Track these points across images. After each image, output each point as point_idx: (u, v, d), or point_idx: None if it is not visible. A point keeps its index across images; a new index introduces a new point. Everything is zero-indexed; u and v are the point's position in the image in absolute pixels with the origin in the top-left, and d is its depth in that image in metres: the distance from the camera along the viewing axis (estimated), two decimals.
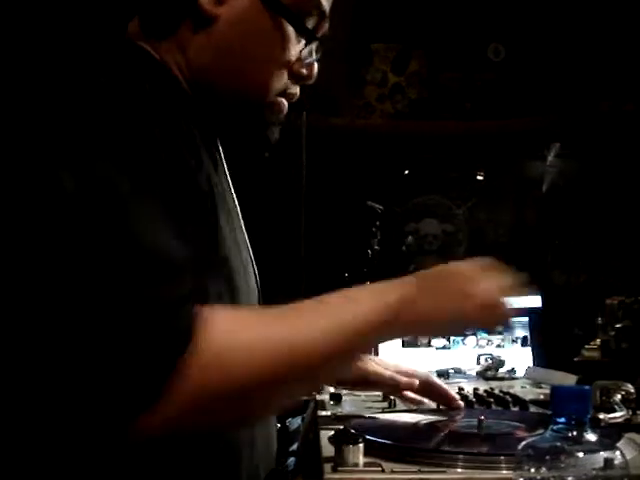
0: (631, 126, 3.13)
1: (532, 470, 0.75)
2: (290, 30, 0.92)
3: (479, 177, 3.45)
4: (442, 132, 3.30)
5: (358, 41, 3.17)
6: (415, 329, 0.98)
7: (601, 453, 0.75)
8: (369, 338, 0.84)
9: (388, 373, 1.26)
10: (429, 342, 2.85)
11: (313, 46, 0.95)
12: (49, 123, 0.75)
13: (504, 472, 0.91)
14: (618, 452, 0.76)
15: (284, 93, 0.97)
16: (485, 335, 2.81)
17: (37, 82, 0.80)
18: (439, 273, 0.94)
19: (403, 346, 2.83)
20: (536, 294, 2.88)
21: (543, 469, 0.75)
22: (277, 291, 2.82)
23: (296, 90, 0.98)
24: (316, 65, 0.96)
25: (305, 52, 0.94)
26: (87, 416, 0.71)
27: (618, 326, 2.92)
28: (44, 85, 0.79)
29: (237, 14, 0.90)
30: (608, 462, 0.75)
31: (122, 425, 0.68)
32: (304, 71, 0.96)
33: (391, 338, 0.98)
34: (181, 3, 0.89)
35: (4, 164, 0.75)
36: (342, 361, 0.84)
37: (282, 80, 0.95)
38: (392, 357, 2.77)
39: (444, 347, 2.81)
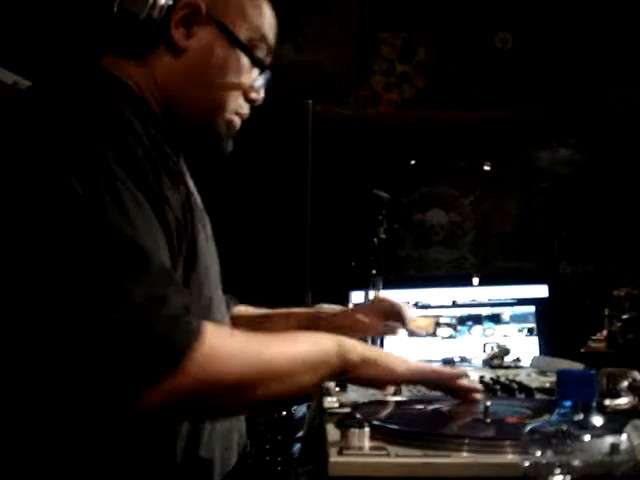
0: None
1: (538, 454, 0.75)
2: (245, 61, 1.12)
3: (486, 167, 3.44)
4: (449, 121, 3.29)
5: (365, 30, 3.16)
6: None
7: (607, 438, 0.75)
8: (320, 373, 1.03)
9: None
10: (434, 332, 2.85)
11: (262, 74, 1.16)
12: (58, 141, 0.88)
13: (509, 457, 0.91)
14: (624, 437, 0.76)
15: (237, 112, 1.16)
16: (492, 325, 2.81)
17: (45, 110, 0.93)
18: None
19: (409, 335, 2.83)
20: (543, 284, 2.88)
21: (549, 453, 0.75)
22: (283, 280, 2.84)
23: (247, 110, 1.17)
24: (263, 90, 1.17)
25: (258, 80, 1.16)
26: (94, 394, 0.82)
27: (625, 317, 2.92)
28: (53, 110, 0.92)
29: (203, 46, 1.09)
30: (614, 447, 0.75)
31: (130, 397, 0.80)
32: (255, 95, 1.16)
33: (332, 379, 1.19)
34: (156, 33, 1.07)
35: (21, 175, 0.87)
36: (305, 379, 1.00)
37: (237, 102, 1.14)
38: (398, 346, 2.77)
39: (450, 336, 2.82)
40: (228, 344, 0.90)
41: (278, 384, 0.95)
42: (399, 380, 1.23)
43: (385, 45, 3.17)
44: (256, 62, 1.14)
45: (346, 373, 1.09)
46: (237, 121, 1.16)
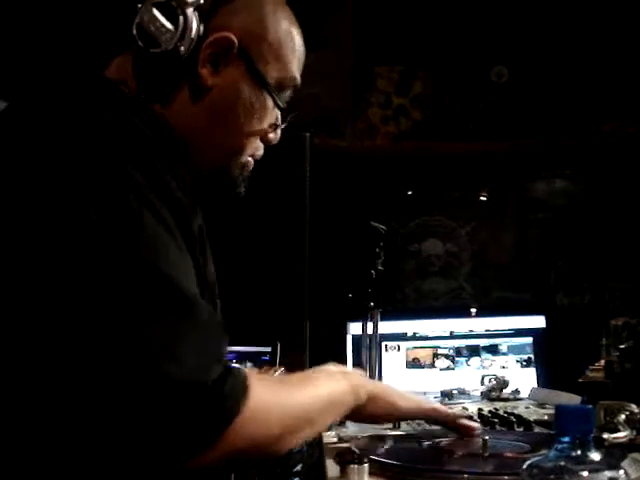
0: (634, 148, 3.14)
1: None
2: (270, 103, 1.06)
3: (482, 198, 3.46)
4: (446, 153, 3.31)
5: (361, 63, 3.20)
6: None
7: (605, 472, 0.75)
8: (340, 411, 1.07)
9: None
10: (433, 363, 2.85)
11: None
12: (88, 164, 0.83)
13: None
14: (622, 472, 0.76)
15: (252, 155, 1.10)
16: (489, 356, 2.81)
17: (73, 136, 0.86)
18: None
19: (407, 367, 2.83)
20: (540, 314, 2.88)
21: None
22: (281, 312, 2.84)
23: (262, 151, 1.11)
24: (280, 131, 1.11)
25: (279, 121, 1.09)
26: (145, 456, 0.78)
27: (622, 347, 2.92)
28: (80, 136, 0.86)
29: (229, 85, 1.02)
30: None
31: (184, 460, 0.78)
32: (274, 136, 1.10)
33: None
34: (183, 70, 0.99)
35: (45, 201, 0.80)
36: (329, 420, 1.05)
37: (255, 144, 1.09)
38: (397, 378, 2.77)
39: (448, 368, 2.82)
40: (270, 397, 0.89)
41: (312, 428, 0.97)
42: (401, 417, 1.24)
43: (381, 78, 3.21)
44: (281, 106, 1.08)
45: (355, 409, 1.10)
46: (251, 163, 1.11)
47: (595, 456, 0.77)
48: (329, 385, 1.03)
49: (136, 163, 0.84)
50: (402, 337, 2.83)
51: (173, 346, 0.77)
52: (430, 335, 2.84)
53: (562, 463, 0.76)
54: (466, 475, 0.94)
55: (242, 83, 1.03)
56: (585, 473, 0.75)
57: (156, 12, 0.95)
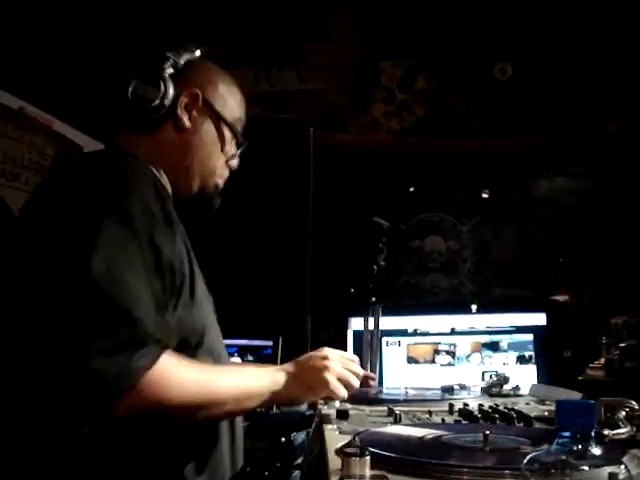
0: (637, 146, 3.14)
1: None
2: (229, 135, 1.41)
3: (484, 195, 3.47)
4: (448, 150, 3.32)
5: (365, 59, 3.20)
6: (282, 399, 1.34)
7: (606, 468, 0.76)
8: (254, 399, 1.26)
9: None
10: (433, 359, 2.86)
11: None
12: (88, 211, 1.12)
13: None
14: (623, 467, 0.77)
15: (221, 176, 1.43)
16: (490, 352, 2.81)
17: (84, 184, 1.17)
18: (303, 366, 1.35)
19: (408, 362, 2.84)
20: (541, 312, 2.89)
21: None
22: (283, 307, 2.84)
23: (227, 174, 1.44)
24: (238, 158, 1.46)
25: (236, 150, 1.44)
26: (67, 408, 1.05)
27: (622, 345, 2.92)
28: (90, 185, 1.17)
29: (200, 125, 1.38)
30: (613, 477, 0.75)
31: (104, 407, 1.05)
32: (234, 162, 1.44)
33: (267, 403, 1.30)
34: (164, 114, 1.33)
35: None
36: (238, 406, 1.24)
37: (222, 168, 1.42)
38: (397, 373, 2.78)
39: (449, 364, 2.82)
40: (174, 373, 1.12)
41: (220, 407, 1.19)
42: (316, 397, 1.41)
43: (385, 74, 3.21)
44: (237, 136, 1.43)
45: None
46: (221, 184, 1.43)
47: (596, 451, 0.77)
48: (248, 374, 1.28)
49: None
50: (403, 333, 2.84)
51: (98, 331, 1.04)
52: (431, 331, 2.84)
53: (563, 457, 0.76)
54: (467, 468, 0.95)
55: (208, 122, 1.39)
56: (586, 467, 0.75)
57: (144, 83, 1.34)
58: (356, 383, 1.38)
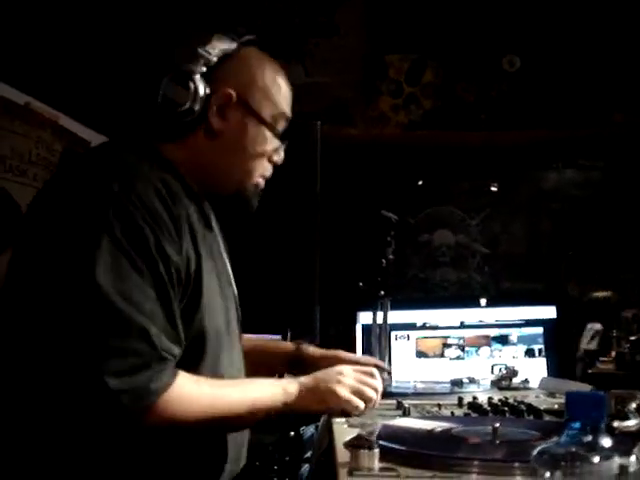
0: None
1: (547, 475, 0.75)
2: (267, 133, 1.33)
3: (493, 188, 3.45)
4: (456, 143, 3.30)
5: (372, 52, 3.19)
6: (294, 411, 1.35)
7: (616, 459, 0.75)
8: (267, 411, 1.26)
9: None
10: (442, 353, 2.85)
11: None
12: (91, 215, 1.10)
13: (518, 478, 0.92)
14: (633, 458, 0.76)
15: (262, 175, 1.37)
16: (499, 346, 2.81)
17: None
18: (316, 379, 1.36)
19: (417, 356, 2.83)
20: (551, 305, 2.88)
21: (558, 474, 0.75)
22: (292, 300, 2.83)
23: (270, 171, 1.38)
24: (283, 152, 1.38)
25: (279, 146, 1.36)
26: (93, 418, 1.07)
27: (633, 338, 2.91)
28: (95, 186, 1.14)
29: (234, 126, 1.30)
30: (623, 469, 0.75)
31: (118, 427, 1.08)
32: (277, 158, 1.37)
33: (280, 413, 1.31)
34: (195, 120, 1.27)
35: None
36: (246, 420, 1.25)
37: (262, 166, 1.36)
38: (406, 367, 2.77)
39: (458, 357, 2.82)
40: (188, 393, 1.13)
41: (230, 420, 1.21)
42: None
43: (393, 67, 3.20)
44: (278, 135, 1.34)
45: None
46: (262, 182, 1.37)
47: (606, 443, 0.77)
48: (262, 386, 1.27)
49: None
50: (412, 327, 2.83)
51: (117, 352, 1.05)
52: (440, 325, 2.84)
53: (573, 449, 0.76)
54: (476, 461, 0.94)
55: (244, 123, 1.31)
56: (596, 459, 0.74)
57: (174, 83, 1.26)
58: (373, 396, 1.37)
